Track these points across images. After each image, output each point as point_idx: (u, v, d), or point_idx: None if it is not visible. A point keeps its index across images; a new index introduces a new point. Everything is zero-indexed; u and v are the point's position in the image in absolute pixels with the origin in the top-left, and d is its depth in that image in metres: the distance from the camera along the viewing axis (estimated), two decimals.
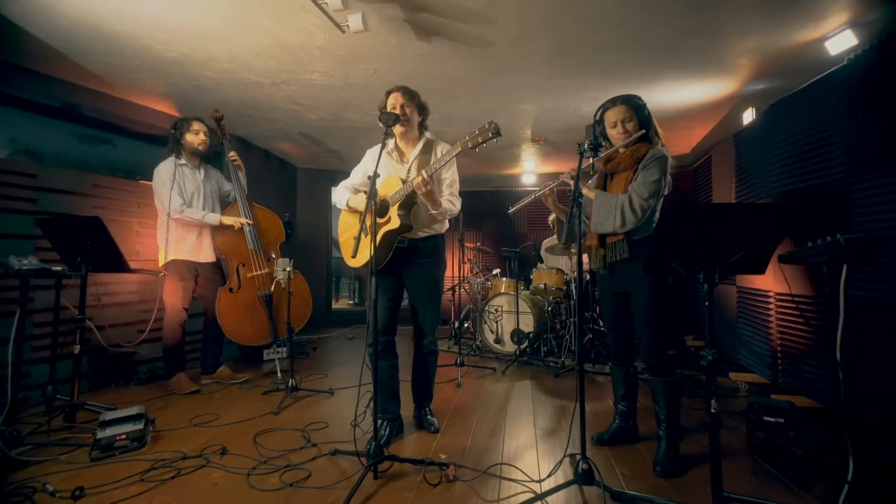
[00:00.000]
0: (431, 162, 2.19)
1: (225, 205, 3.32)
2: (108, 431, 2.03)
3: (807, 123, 2.63)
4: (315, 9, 2.24)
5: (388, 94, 2.29)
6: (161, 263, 3.06)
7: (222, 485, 1.80)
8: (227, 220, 3.14)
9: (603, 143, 1.95)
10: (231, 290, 3.16)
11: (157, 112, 3.76)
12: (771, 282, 3.00)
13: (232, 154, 3.28)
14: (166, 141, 3.20)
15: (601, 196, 2.03)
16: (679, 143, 5.04)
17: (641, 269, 1.77)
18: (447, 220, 2.40)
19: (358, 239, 2.15)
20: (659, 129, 2.08)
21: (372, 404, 2.31)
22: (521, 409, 2.80)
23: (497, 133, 1.94)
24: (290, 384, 2.91)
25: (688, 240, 1.45)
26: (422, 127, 2.35)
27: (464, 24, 2.53)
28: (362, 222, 2.05)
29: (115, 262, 2.38)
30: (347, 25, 2.30)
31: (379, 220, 2.21)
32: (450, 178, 2.32)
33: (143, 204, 3.48)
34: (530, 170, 6.24)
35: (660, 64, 3.04)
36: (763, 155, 3.12)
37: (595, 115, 2.14)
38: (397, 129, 2.23)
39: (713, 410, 1.52)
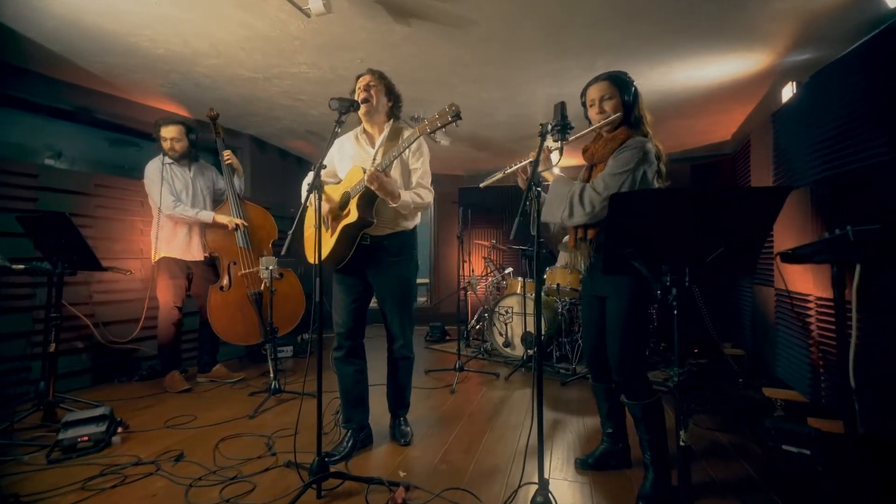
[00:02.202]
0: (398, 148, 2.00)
1: (219, 202, 3.30)
2: (70, 433, 2.02)
3: (855, 94, 2.19)
4: None
5: (358, 77, 2.14)
6: (153, 260, 3.10)
7: (161, 496, 1.73)
8: (221, 219, 3.12)
9: (572, 127, 1.68)
10: (222, 288, 3.14)
11: (164, 112, 3.82)
12: (811, 283, 2.57)
13: (226, 154, 3.25)
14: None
15: (558, 182, 1.79)
16: (718, 129, 4.54)
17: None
18: (418, 215, 2.21)
19: (318, 233, 1.98)
20: (646, 115, 1.78)
21: (341, 412, 2.20)
22: (510, 422, 2.56)
23: (457, 116, 1.74)
24: (272, 386, 2.84)
25: (646, 233, 1.18)
26: (391, 114, 2.17)
27: (440, 1, 2.32)
28: (317, 216, 1.90)
29: (88, 259, 2.38)
30: (309, 8, 2.16)
31: (340, 214, 2.07)
32: (421, 170, 2.13)
33: (146, 202, 3.53)
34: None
35: (675, 36, 2.67)
36: (802, 135, 2.68)
37: (581, 95, 1.87)
38: (362, 110, 2.06)
39: (682, 443, 1.24)
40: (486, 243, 4.99)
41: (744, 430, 2.43)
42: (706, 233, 1.12)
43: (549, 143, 1.71)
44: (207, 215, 3.09)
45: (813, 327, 2.52)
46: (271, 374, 3.03)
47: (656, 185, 1.76)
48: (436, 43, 2.75)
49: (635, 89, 1.78)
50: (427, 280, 7.19)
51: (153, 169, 3.05)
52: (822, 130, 2.45)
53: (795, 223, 2.76)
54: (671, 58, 2.94)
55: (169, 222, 3.07)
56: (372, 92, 2.07)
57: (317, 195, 1.78)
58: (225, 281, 3.16)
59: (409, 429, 2.29)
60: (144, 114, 3.68)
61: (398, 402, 2.29)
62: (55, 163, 3.66)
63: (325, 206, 2.10)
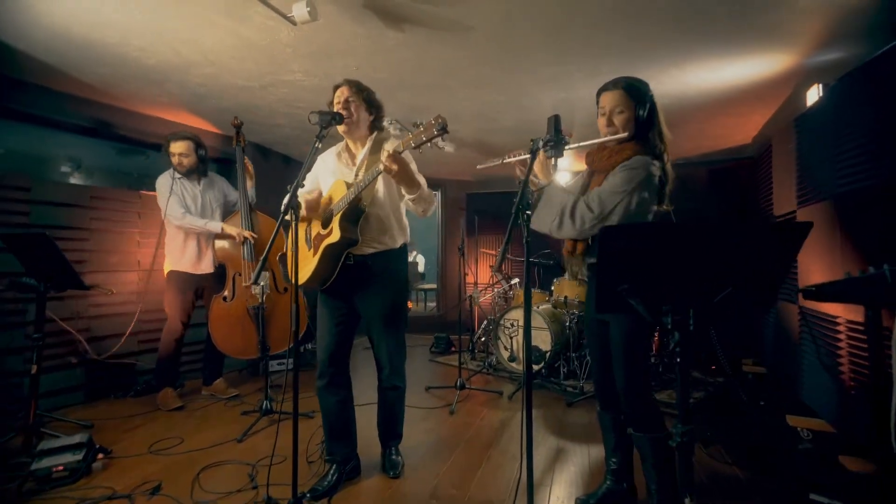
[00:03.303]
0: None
1: (230, 214, 3.27)
2: (45, 462, 1.94)
3: (888, 98, 1.99)
4: (261, 1, 2.01)
5: (335, 88, 2.02)
6: (166, 272, 3.11)
7: None
8: (229, 229, 3.09)
9: (566, 142, 1.52)
10: (224, 298, 3.09)
11: (166, 121, 3.78)
12: (841, 305, 2.36)
13: (247, 162, 3.20)
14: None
15: (552, 188, 1.63)
16: (736, 132, 4.29)
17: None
18: (406, 232, 2.08)
19: (295, 253, 1.86)
20: (664, 131, 1.61)
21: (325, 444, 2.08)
22: (509, 451, 2.41)
23: (443, 129, 1.58)
24: (263, 406, 2.74)
25: (644, 270, 1.03)
26: (373, 127, 2.05)
27: (432, 5, 2.18)
28: (294, 238, 1.79)
29: (71, 278, 2.31)
30: (293, 16, 2.05)
31: (322, 232, 1.95)
32: None
33: (144, 214, 3.50)
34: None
35: (687, 37, 2.49)
36: (828, 142, 2.46)
37: (598, 95, 1.70)
38: (341, 128, 1.94)
39: None
40: (492, 252, 4.84)
41: (765, 462, 2.23)
42: (714, 272, 0.96)
43: (541, 157, 1.57)
44: (216, 225, 3.08)
45: (843, 353, 2.31)
46: (267, 391, 2.94)
47: (654, 208, 1.60)
48: (431, 48, 2.62)
49: (652, 104, 1.61)
50: (435, 286, 7.06)
51: (162, 182, 3.07)
52: (851, 138, 2.24)
53: (820, 240, 2.55)
54: (683, 60, 2.75)
55: (179, 235, 3.07)
56: (351, 108, 1.94)
57: (294, 216, 1.66)
58: (227, 292, 3.10)
59: (399, 458, 2.16)
60: (145, 124, 3.65)
61: (388, 434, 2.17)
62: (74, 173, 3.69)
63: (301, 226, 1.98)
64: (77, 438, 2.04)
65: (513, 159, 1.69)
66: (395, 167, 1.67)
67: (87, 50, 2.62)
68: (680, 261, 0.99)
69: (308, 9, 2.00)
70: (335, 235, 1.85)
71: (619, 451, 1.81)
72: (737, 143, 4.62)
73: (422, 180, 1.86)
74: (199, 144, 3.18)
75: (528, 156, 1.65)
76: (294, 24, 2.14)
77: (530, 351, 1.47)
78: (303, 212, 1.92)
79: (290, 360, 4.00)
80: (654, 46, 2.58)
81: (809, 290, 1.28)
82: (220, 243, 3.17)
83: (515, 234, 1.40)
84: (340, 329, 2.01)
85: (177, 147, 3.08)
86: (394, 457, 2.16)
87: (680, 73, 2.90)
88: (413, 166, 2.01)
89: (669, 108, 3.44)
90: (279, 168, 5.11)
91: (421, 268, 9.03)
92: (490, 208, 5.80)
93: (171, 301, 3.08)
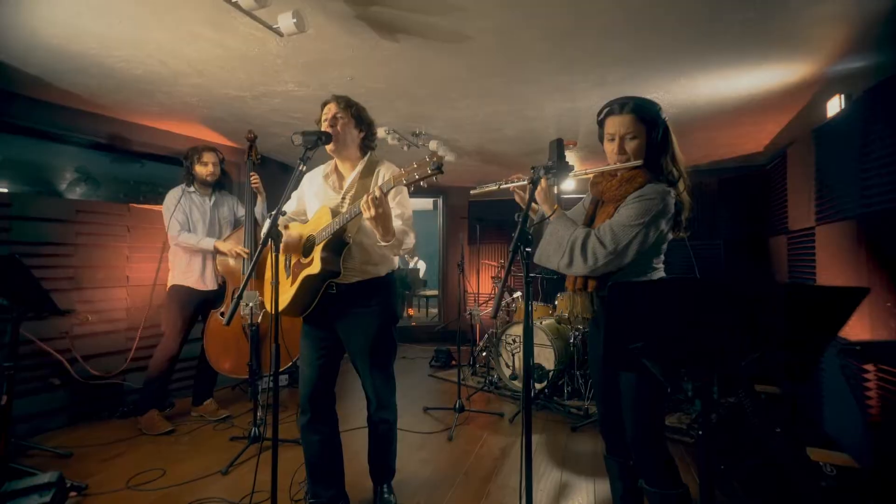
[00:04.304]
0: (370, 188, 1.73)
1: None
2: None
3: None
4: (245, 13, 1.89)
5: (323, 105, 1.88)
6: (168, 286, 3.04)
7: None
8: (222, 247, 2.97)
9: (572, 168, 1.38)
10: (222, 314, 2.97)
11: (161, 132, 3.68)
12: (868, 330, 2.19)
13: (253, 177, 3.07)
14: (174, 159, 3.19)
15: (559, 220, 1.49)
16: (748, 141, 4.13)
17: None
18: (394, 260, 1.95)
19: (275, 285, 1.72)
20: (678, 154, 1.47)
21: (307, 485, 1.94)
22: (510, 484, 2.27)
23: (437, 169, 1.42)
24: (252, 433, 2.61)
25: (660, 330, 0.89)
26: (365, 146, 1.91)
27: (427, 15, 2.05)
28: (273, 268, 1.66)
29: (43, 302, 2.19)
30: (279, 27, 1.92)
31: (303, 261, 1.82)
32: (399, 210, 1.83)
33: (133, 227, 3.38)
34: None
35: (699, 46, 2.34)
36: (852, 158, 2.31)
37: (598, 115, 1.56)
38: (329, 148, 1.80)
39: None
40: (493, 263, 4.70)
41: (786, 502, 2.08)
42: (743, 335, 0.83)
43: (543, 184, 1.43)
44: (208, 242, 2.98)
45: (871, 384, 2.14)
46: (258, 415, 2.81)
47: (671, 236, 1.47)
48: (428, 58, 2.49)
49: (665, 127, 1.47)
50: (437, 292, 6.93)
51: (171, 197, 3.02)
52: (879, 154, 2.09)
53: (842, 263, 2.39)
54: (694, 70, 2.60)
55: (181, 252, 3.01)
56: (339, 127, 1.81)
57: (273, 246, 1.53)
58: (225, 308, 2.99)
59: (392, 498, 2.03)
60: (138, 133, 3.56)
61: (380, 472, 2.02)
62: (85, 184, 3.61)
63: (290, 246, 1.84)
64: (46, 478, 1.92)
65: (511, 185, 1.56)
66: (373, 212, 1.51)
67: (66, 61, 2.51)
68: (704, 321, 0.85)
69: (295, 20, 1.87)
70: (315, 267, 1.72)
71: (628, 502, 1.66)
72: (748, 152, 4.46)
73: (405, 215, 1.75)
74: (222, 158, 3.20)
75: (525, 182, 1.52)
76: (281, 35, 2.01)
77: (530, 409, 1.33)
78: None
79: (271, 395, 3.88)
80: (665, 56, 2.44)
81: (853, 349, 1.13)
82: (221, 258, 3.07)
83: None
84: (323, 361, 1.87)
85: (210, 157, 3.09)
86: (386, 495, 2.02)
87: (690, 82, 2.75)
88: (405, 195, 1.86)
89: (678, 117, 3.30)
90: (277, 176, 4.99)
91: (422, 274, 8.90)
92: (493, 216, 5.65)
93: (170, 318, 2.98)
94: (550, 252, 1.46)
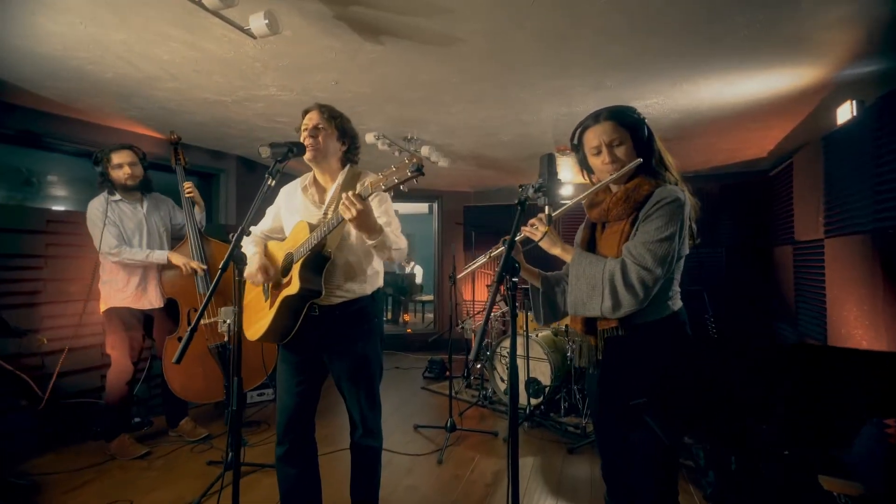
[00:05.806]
0: None
1: (178, 239, 2.93)
2: None
3: None
4: (211, 13, 1.75)
5: (304, 113, 1.74)
6: (101, 311, 2.74)
7: None
8: (176, 259, 2.70)
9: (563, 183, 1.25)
10: (179, 339, 2.76)
11: (137, 136, 3.53)
12: (884, 341, 2.06)
13: (187, 186, 2.88)
14: (161, 166, 2.92)
15: (582, 260, 1.33)
16: (751, 147, 4.00)
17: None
18: (379, 277, 1.81)
19: (238, 314, 1.57)
20: (668, 157, 1.35)
21: None
22: None
23: (417, 171, 1.31)
24: (228, 458, 2.46)
25: (667, 389, 0.75)
26: (346, 159, 1.77)
27: (411, 17, 1.91)
28: (240, 291, 1.52)
29: None
30: (250, 29, 1.78)
31: (282, 280, 1.68)
32: (387, 218, 1.70)
33: None
34: (566, 179, 5.39)
35: (699, 50, 2.21)
36: (866, 167, 2.17)
37: (572, 139, 1.44)
38: (306, 156, 1.66)
39: None
40: (490, 272, 4.56)
41: None
42: (765, 406, 0.69)
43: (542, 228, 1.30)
44: (161, 255, 2.67)
45: None
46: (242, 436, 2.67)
47: (686, 250, 1.33)
48: (416, 62, 2.35)
49: (648, 127, 1.35)
50: (433, 297, 6.78)
51: (94, 209, 2.63)
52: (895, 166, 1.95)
53: (855, 280, 2.26)
54: (696, 74, 2.47)
55: (118, 269, 2.68)
56: (319, 138, 1.66)
57: (235, 269, 1.39)
58: (183, 330, 2.79)
59: None
60: (117, 138, 3.40)
61: (360, 500, 1.88)
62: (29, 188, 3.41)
63: (264, 268, 1.70)
64: None
65: (497, 252, 1.43)
66: (353, 212, 1.38)
67: (34, 64, 2.38)
68: (716, 388, 0.71)
69: (267, 21, 1.73)
70: (294, 286, 1.58)
71: None
72: (751, 157, 4.33)
73: (388, 231, 1.59)
74: (143, 154, 2.78)
75: (498, 250, 1.39)
76: (254, 37, 1.87)
77: (517, 435, 1.19)
78: (255, 274, 1.65)
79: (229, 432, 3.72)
80: (666, 59, 2.31)
81: None
82: (168, 275, 2.77)
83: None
84: (303, 388, 1.73)
85: (122, 156, 2.65)
86: None
87: (692, 87, 2.62)
88: (388, 202, 1.75)
89: (679, 122, 3.16)
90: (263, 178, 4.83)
91: (419, 279, 8.76)
92: (488, 222, 5.51)
93: (115, 342, 2.69)
94: (584, 297, 1.28)
